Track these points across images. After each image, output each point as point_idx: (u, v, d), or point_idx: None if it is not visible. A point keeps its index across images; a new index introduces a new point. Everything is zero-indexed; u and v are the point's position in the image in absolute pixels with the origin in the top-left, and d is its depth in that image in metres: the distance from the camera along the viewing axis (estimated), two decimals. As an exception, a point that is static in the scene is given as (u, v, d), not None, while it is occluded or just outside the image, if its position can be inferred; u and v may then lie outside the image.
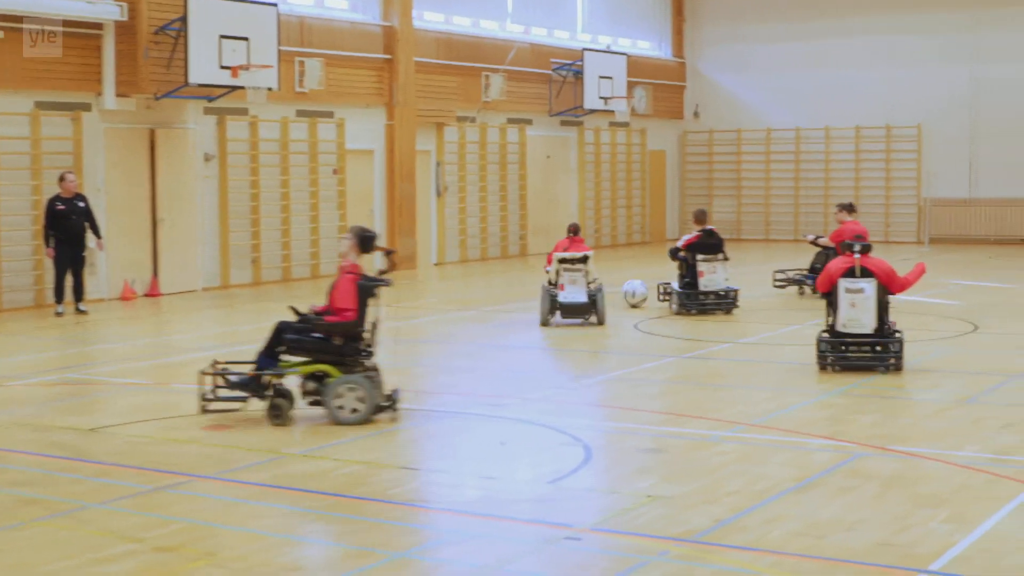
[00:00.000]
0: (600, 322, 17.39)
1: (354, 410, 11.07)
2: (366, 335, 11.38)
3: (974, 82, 33.41)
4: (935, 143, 34.04)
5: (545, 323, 17.40)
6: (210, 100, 22.82)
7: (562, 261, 17.56)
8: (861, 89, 34.78)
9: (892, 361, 13.47)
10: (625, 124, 34.67)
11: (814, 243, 21.35)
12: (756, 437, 10.56)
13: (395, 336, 16.32)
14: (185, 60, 21.24)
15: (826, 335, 13.68)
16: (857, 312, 13.47)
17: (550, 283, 17.64)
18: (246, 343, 16.60)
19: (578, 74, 31.76)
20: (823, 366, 13.61)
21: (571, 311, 17.45)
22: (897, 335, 13.60)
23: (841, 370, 13.55)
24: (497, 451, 10.27)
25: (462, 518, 8.28)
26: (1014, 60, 33.10)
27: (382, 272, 11.67)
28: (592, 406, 12.42)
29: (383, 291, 11.50)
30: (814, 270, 20.64)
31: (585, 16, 33.92)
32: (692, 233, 19.26)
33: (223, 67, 21.73)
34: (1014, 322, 17.65)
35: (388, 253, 11.72)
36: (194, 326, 18.69)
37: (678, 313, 18.77)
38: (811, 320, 18.07)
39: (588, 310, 17.45)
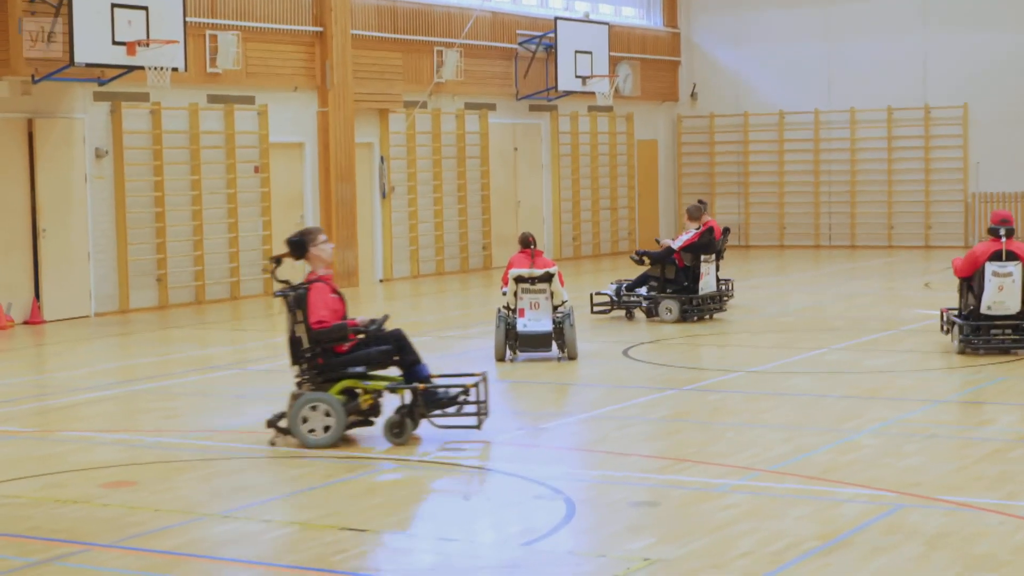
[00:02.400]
0: (570, 356, 17.07)
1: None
2: None
3: (1029, 51, 33.68)
4: (983, 126, 34.25)
5: (501, 358, 17.06)
6: (101, 83, 22.74)
7: (519, 280, 17.09)
8: (892, 61, 34.96)
9: None
10: (608, 109, 34.77)
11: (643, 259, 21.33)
12: (772, 486, 10.56)
13: None
14: (69, 34, 21.15)
15: (965, 319, 16.67)
16: (1004, 295, 16.40)
17: (507, 308, 17.24)
18: (151, 379, 16.55)
19: (550, 48, 31.83)
20: (964, 349, 16.59)
21: (532, 342, 17.03)
22: None
23: (985, 353, 16.52)
24: (458, 507, 10.24)
25: (416, 591, 8.25)
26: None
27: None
28: (571, 451, 12.38)
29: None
30: (646, 285, 21.00)
31: (558, -23, 34.04)
32: (691, 232, 20.82)
33: (117, 43, 21.65)
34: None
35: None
36: (84, 360, 18.59)
37: (677, 321, 20.38)
38: (826, 346, 18.12)
39: (553, 341, 17.07)
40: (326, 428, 12.03)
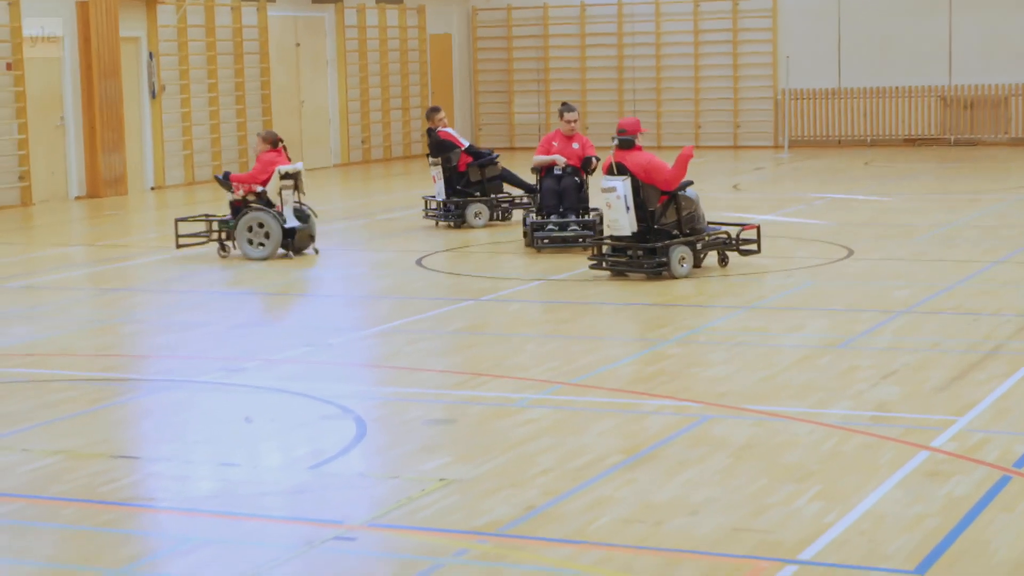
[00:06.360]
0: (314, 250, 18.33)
1: None
2: None
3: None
4: (794, 19, 34.73)
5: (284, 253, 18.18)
6: None
7: (286, 176, 18.32)
8: (699, -50, 35.25)
9: (646, 266, 15.38)
10: (397, 1, 34.58)
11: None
12: (574, 400, 10.71)
13: None
14: None
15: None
16: (614, 213, 15.42)
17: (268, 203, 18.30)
18: None
19: (334, -66, 31.53)
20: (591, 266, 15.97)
21: (304, 240, 18.39)
22: (670, 240, 15.44)
23: (611, 275, 15.80)
24: (238, 430, 10.22)
25: (196, 519, 8.23)
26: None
27: None
28: (361, 367, 12.44)
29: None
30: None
31: None
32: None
33: None
34: (895, 245, 18.22)
35: None
36: None
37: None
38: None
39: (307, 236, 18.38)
40: None
